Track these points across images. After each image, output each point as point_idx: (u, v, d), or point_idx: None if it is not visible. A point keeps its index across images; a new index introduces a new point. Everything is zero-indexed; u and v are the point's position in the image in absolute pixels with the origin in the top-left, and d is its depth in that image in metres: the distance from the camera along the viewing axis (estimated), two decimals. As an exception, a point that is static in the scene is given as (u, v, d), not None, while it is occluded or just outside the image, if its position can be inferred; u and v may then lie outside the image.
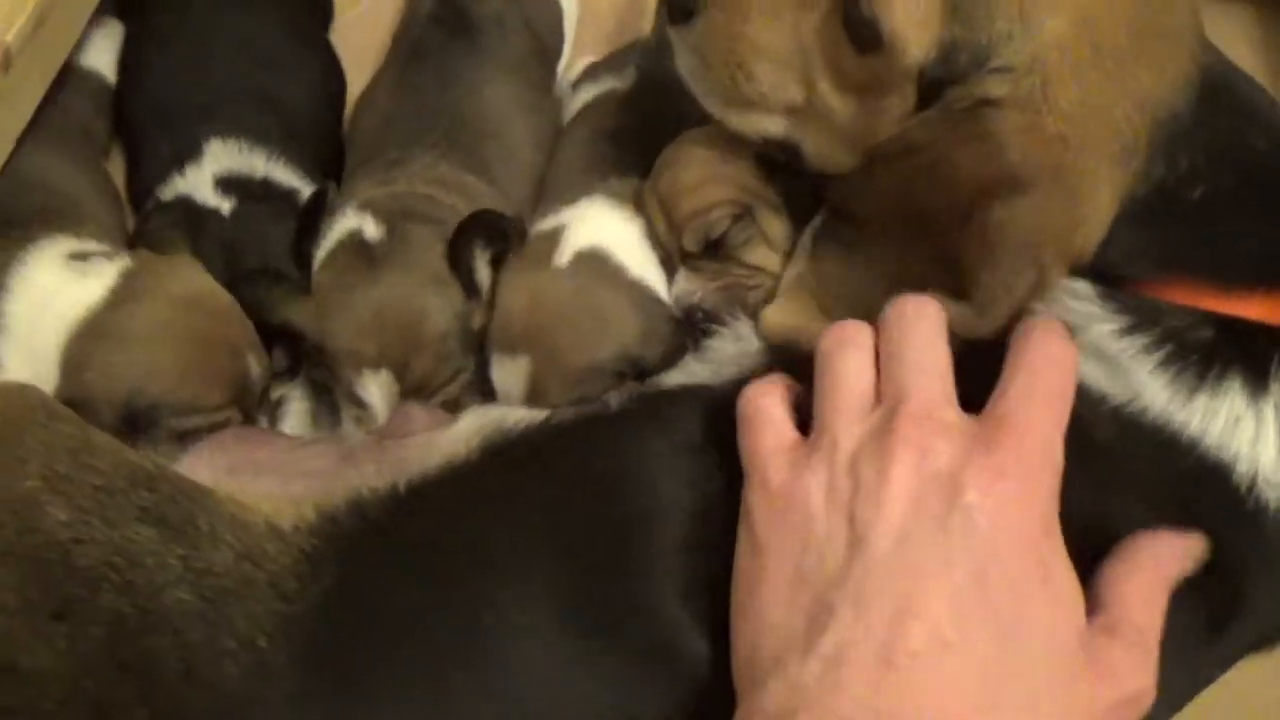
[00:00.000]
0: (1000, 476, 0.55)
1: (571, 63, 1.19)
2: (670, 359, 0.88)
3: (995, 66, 0.66)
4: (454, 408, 0.91)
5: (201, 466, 0.75)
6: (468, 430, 0.78)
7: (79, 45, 1.06)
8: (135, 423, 0.84)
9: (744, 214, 0.90)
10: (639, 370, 0.88)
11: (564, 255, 0.91)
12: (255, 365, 0.90)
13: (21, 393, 0.73)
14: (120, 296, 0.88)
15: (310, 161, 1.06)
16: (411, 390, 0.90)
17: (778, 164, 0.91)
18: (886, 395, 0.59)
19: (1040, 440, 0.57)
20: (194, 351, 0.87)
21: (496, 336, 0.90)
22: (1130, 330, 0.65)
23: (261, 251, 0.97)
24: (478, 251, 0.92)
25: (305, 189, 1.04)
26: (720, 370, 0.78)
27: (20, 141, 0.95)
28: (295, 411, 0.97)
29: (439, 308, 0.91)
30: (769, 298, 0.89)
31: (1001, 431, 0.56)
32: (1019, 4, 0.66)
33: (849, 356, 0.62)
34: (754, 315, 0.82)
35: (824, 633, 0.53)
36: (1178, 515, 0.62)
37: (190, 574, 0.65)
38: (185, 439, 0.85)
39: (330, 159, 1.10)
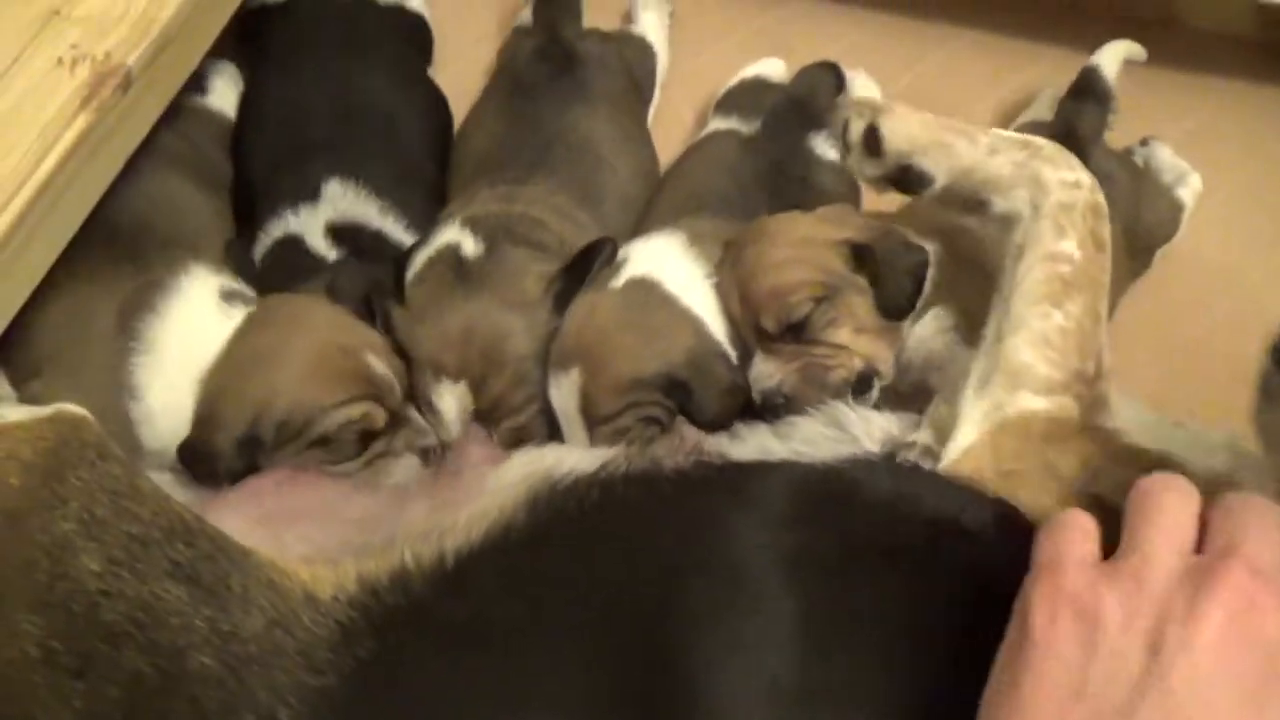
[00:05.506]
0: None
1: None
2: (724, 409, 0.88)
3: None
4: (514, 440, 0.91)
5: (229, 513, 0.71)
6: (515, 476, 0.74)
7: (203, 87, 1.11)
8: (256, 445, 0.85)
9: (826, 296, 0.87)
10: (687, 402, 0.88)
11: (619, 280, 0.92)
12: (376, 361, 0.89)
13: (76, 426, 0.70)
14: (241, 332, 0.90)
15: (417, 202, 1.06)
16: (486, 409, 0.90)
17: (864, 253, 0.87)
18: (1215, 544, 0.54)
19: None
20: (306, 358, 0.88)
21: (553, 353, 0.91)
22: None
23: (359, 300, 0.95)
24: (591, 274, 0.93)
25: (408, 241, 1.02)
26: (804, 451, 0.71)
27: (148, 166, 0.98)
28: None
29: (524, 329, 0.91)
30: (857, 380, 0.86)
31: None
32: None
33: (1175, 497, 0.57)
34: (838, 395, 0.80)
35: None
36: None
37: (216, 638, 0.62)
38: (336, 445, 0.87)
39: (437, 195, 1.09)
